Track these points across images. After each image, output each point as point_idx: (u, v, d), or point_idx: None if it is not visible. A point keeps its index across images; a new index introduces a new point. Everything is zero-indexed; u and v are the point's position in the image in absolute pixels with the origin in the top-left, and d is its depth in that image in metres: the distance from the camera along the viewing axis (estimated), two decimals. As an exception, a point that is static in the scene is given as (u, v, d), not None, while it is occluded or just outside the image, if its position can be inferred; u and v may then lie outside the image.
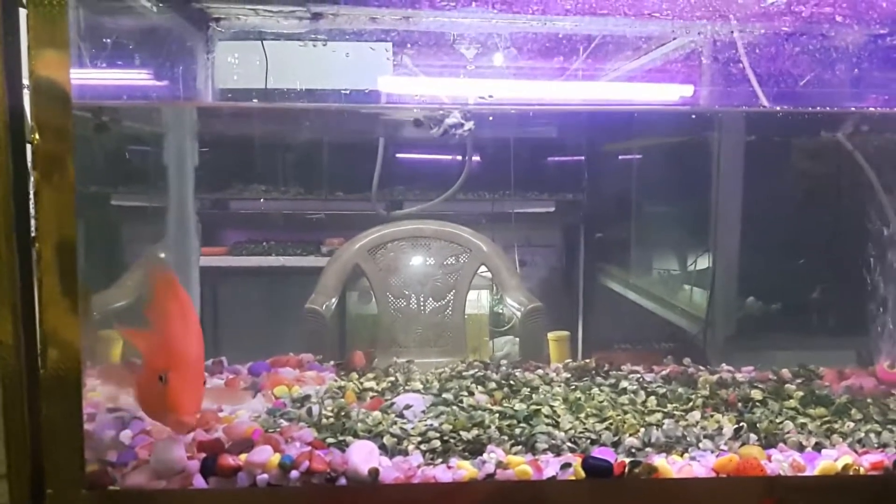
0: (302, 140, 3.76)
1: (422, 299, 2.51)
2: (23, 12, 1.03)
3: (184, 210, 1.83)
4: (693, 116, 2.82)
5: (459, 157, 3.73)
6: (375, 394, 1.49)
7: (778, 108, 1.82)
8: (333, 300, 2.43)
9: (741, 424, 1.27)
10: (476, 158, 3.76)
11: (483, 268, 2.56)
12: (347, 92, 1.97)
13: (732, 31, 1.87)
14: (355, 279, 2.63)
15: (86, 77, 1.45)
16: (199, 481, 1.10)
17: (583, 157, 4.15)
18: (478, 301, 3.28)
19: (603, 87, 2.29)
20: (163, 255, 1.74)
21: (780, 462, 1.15)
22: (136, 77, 1.76)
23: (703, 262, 3.33)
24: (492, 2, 1.52)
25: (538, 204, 4.08)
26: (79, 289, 1.04)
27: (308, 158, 3.94)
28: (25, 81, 1.05)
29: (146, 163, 1.69)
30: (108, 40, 1.58)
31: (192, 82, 1.89)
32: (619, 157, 4.18)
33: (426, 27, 1.83)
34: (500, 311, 3.39)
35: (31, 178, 1.04)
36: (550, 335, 3.22)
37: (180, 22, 1.74)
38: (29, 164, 1.04)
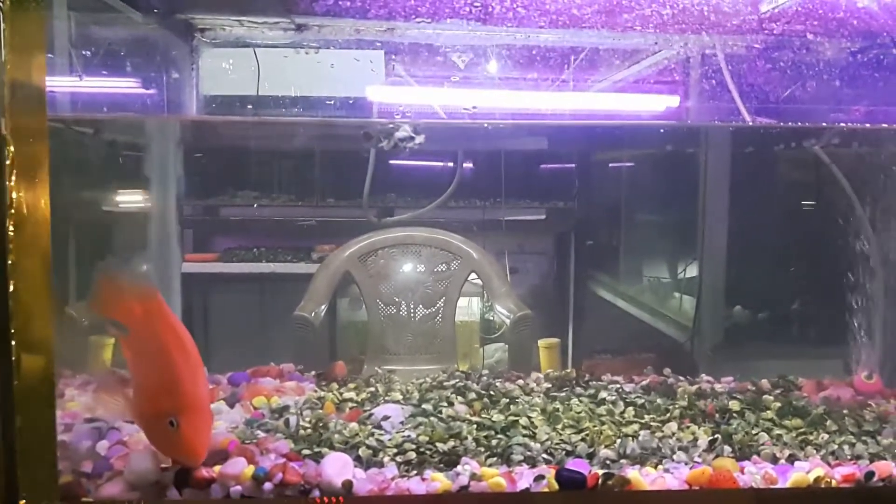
0: (291, 149, 3.77)
1: (412, 306, 2.50)
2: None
3: (166, 219, 1.83)
4: (680, 129, 2.85)
5: (451, 165, 3.75)
6: (355, 405, 1.49)
7: (758, 123, 1.83)
8: (323, 307, 2.42)
9: (716, 436, 1.28)
10: (468, 165, 3.79)
11: (473, 275, 2.55)
12: (332, 102, 1.98)
13: (714, 45, 1.89)
14: (346, 286, 2.61)
15: (73, 85, 1.45)
16: (172, 493, 1.10)
17: (573, 166, 4.18)
18: (468, 308, 3.28)
19: (591, 97, 2.31)
20: (144, 267, 1.74)
21: (752, 474, 1.16)
22: (123, 85, 1.77)
23: (691, 271, 3.35)
24: (467, 17, 1.53)
25: (529, 212, 4.09)
26: (54, 299, 1.04)
27: (298, 167, 3.95)
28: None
29: (128, 173, 1.69)
30: (96, 49, 1.59)
31: (177, 91, 1.89)
32: (609, 166, 4.20)
33: (411, 38, 1.84)
34: (491, 318, 3.40)
35: (7, 186, 1.04)
36: (541, 342, 3.22)
37: (165, 33, 1.75)
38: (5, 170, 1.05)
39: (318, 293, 2.44)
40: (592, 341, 3.83)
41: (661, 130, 2.59)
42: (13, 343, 1.06)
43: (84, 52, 1.52)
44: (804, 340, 2.89)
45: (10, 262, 1.03)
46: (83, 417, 1.35)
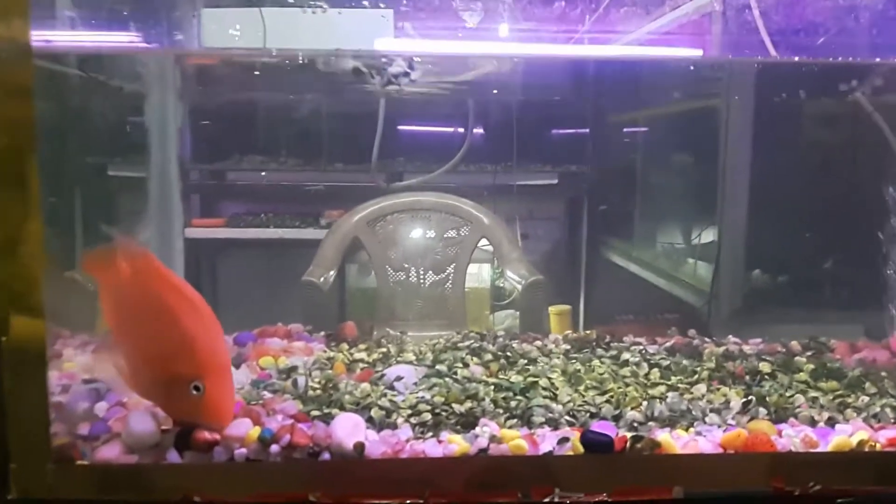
0: (298, 113, 3.70)
1: (421, 272, 2.48)
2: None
3: (167, 179, 1.75)
4: (700, 80, 2.72)
5: (461, 131, 3.67)
6: (366, 365, 1.42)
7: (787, 59, 1.72)
8: (332, 273, 2.39)
9: (749, 398, 1.20)
10: (478, 131, 3.70)
11: (484, 241, 2.51)
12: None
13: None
14: (354, 252, 2.59)
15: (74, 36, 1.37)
16: (173, 456, 1.03)
17: (587, 130, 4.08)
18: (479, 274, 3.23)
19: (612, 49, 2.21)
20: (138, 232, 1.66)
21: (791, 437, 1.08)
22: (123, 37, 1.68)
23: (709, 235, 3.26)
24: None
25: (541, 176, 4.01)
26: (44, 254, 0.97)
27: (305, 130, 3.89)
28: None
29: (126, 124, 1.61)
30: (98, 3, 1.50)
31: (178, 42, 1.81)
32: (624, 128, 4.10)
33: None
34: (501, 284, 3.36)
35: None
36: (552, 309, 3.17)
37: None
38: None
39: (327, 259, 2.42)
40: (606, 307, 3.78)
41: (681, 77, 2.48)
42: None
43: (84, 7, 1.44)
44: (827, 305, 2.79)
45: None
46: (81, 378, 1.28)
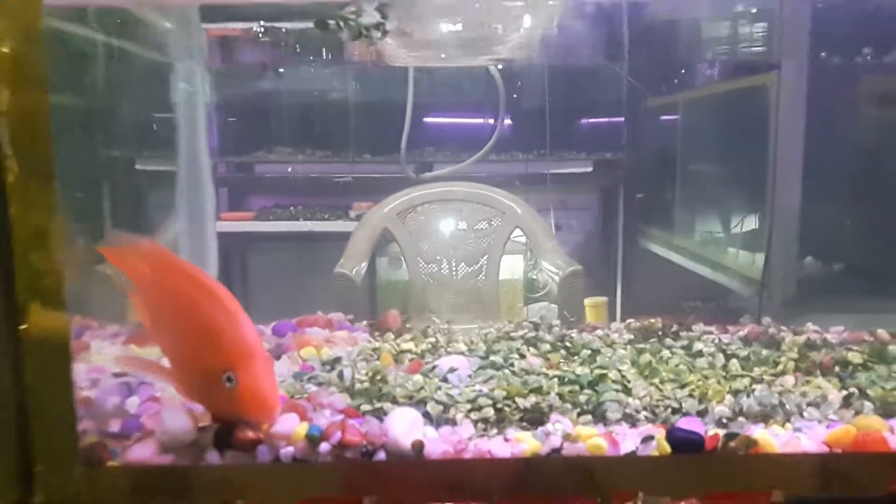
0: (323, 101, 3.67)
1: (454, 264, 2.46)
2: None
3: (197, 165, 1.65)
4: (749, 46, 2.57)
5: (491, 120, 3.57)
6: (414, 356, 1.31)
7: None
8: (363, 264, 2.36)
9: (852, 391, 1.07)
10: (508, 121, 3.60)
11: (517, 231, 2.48)
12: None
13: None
14: (385, 244, 2.59)
15: None
16: (212, 456, 0.93)
17: (622, 116, 3.97)
18: (511, 266, 3.18)
19: None
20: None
21: (906, 435, 0.95)
22: None
23: (758, 221, 3.13)
24: None
25: (575, 164, 3.94)
26: (62, 230, 0.88)
27: (333, 121, 3.85)
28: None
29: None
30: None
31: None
32: (663, 110, 3.97)
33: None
34: (535, 276, 3.31)
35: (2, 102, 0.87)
36: (587, 301, 3.09)
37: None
38: None
39: (358, 251, 2.40)
40: (645, 297, 3.67)
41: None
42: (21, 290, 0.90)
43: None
44: (885, 293, 2.65)
45: (9, 183, 0.87)
46: (110, 372, 1.19)
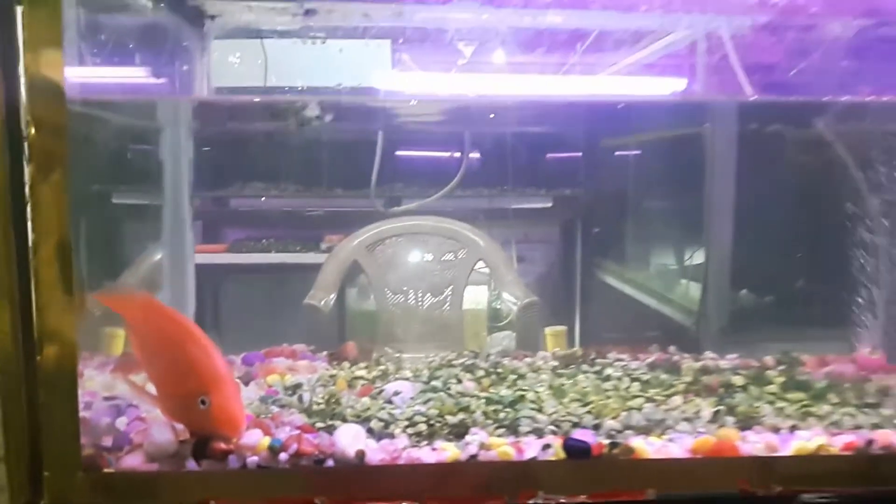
0: (299, 138, 3.81)
1: (420, 295, 2.55)
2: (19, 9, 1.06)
3: (179, 207, 1.86)
4: (684, 111, 2.86)
5: (457, 155, 3.79)
6: (366, 382, 1.52)
7: (761, 98, 1.85)
8: (332, 296, 2.47)
9: (719, 408, 1.30)
10: (474, 155, 3.82)
11: (481, 263, 2.60)
12: (338, 86, 2.01)
13: (720, 26, 1.91)
14: (354, 275, 2.66)
15: (85, 74, 1.48)
16: (191, 464, 1.13)
17: (580, 154, 4.20)
18: (476, 297, 3.31)
19: (598, 80, 2.33)
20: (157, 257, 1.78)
21: (754, 443, 1.18)
22: (134, 75, 1.80)
23: (698, 257, 3.37)
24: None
25: (535, 199, 4.12)
26: (74, 281, 1.08)
27: (305, 157, 3.98)
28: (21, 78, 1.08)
29: (143, 159, 1.73)
30: (107, 38, 1.61)
31: (189, 81, 1.93)
32: (615, 153, 4.22)
33: (419, 23, 1.87)
34: (499, 306, 3.44)
35: (27, 173, 1.08)
36: (548, 330, 3.25)
37: (176, 20, 1.78)
38: (25, 159, 1.08)
39: (328, 282, 2.50)
40: (600, 327, 3.87)
41: (667, 112, 2.60)
42: (36, 322, 1.10)
43: (94, 43, 1.55)
44: (809, 322, 2.91)
45: (32, 244, 1.08)
46: (101, 396, 1.39)
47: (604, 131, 3.97)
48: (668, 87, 2.48)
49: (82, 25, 1.38)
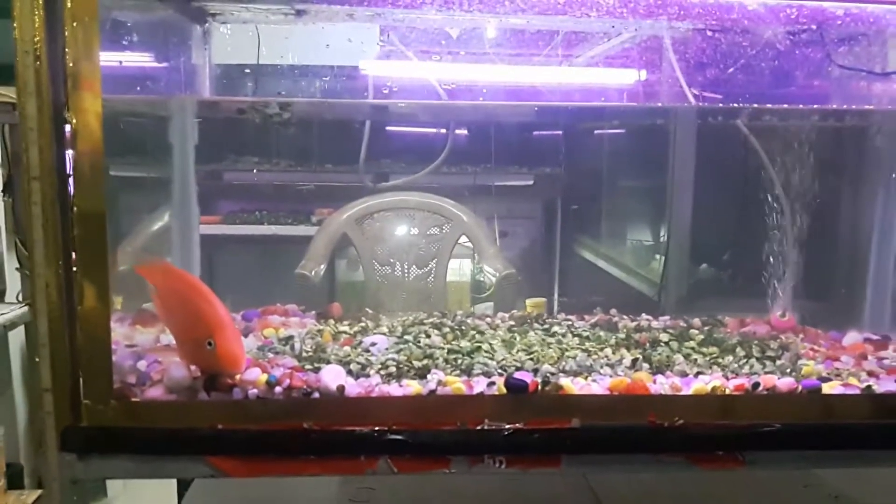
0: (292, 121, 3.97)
1: (406, 267, 2.70)
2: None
3: (186, 182, 2.10)
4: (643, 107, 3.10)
5: (444, 132, 3.99)
6: (348, 335, 1.78)
7: (697, 102, 2.10)
8: (322, 266, 2.62)
9: (637, 357, 1.57)
10: (460, 132, 4.02)
11: (464, 237, 2.75)
12: (327, 78, 2.24)
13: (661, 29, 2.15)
14: (343, 248, 2.81)
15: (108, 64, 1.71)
16: (202, 396, 1.39)
17: (560, 133, 4.41)
18: (460, 269, 3.51)
19: (571, 71, 2.56)
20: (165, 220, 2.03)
21: (662, 384, 1.45)
22: (145, 62, 2.03)
23: (662, 234, 3.63)
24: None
25: (518, 177, 4.31)
26: (108, 242, 1.33)
27: (298, 135, 4.15)
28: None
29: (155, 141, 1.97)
30: (123, 32, 1.85)
31: (193, 71, 2.16)
32: (592, 135, 4.44)
33: (396, 23, 2.11)
34: (481, 278, 3.63)
35: (70, 155, 1.32)
36: (528, 301, 3.48)
37: (180, 17, 2.01)
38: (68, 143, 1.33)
39: (318, 253, 2.66)
40: (575, 299, 4.12)
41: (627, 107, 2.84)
42: (76, 277, 1.35)
43: (113, 36, 1.78)
44: (751, 293, 3.19)
45: (73, 215, 1.32)
46: (124, 344, 1.64)
47: (580, 117, 4.19)
48: (633, 77, 2.71)
49: (111, 24, 1.61)
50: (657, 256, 3.81)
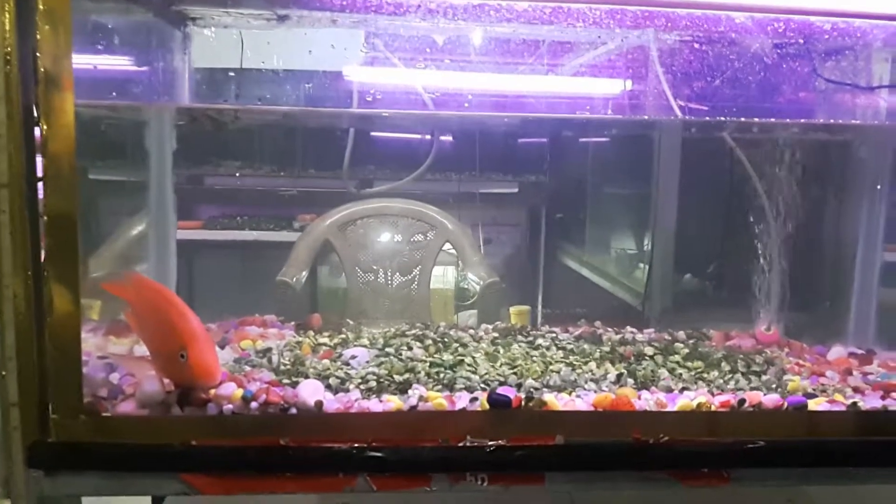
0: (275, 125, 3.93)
1: (389, 274, 2.69)
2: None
3: (163, 187, 2.05)
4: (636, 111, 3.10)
5: (428, 138, 3.96)
6: (328, 347, 1.74)
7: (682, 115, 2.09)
8: (304, 273, 2.61)
9: (622, 372, 1.55)
10: (445, 138, 4.00)
11: (448, 245, 2.74)
12: (309, 85, 2.21)
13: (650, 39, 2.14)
14: (326, 254, 2.77)
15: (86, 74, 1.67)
16: (175, 411, 1.35)
17: (545, 141, 4.39)
18: (444, 276, 3.48)
19: (558, 80, 2.54)
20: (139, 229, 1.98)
21: (647, 400, 1.43)
22: (124, 65, 1.99)
23: (646, 243, 3.62)
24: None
25: (502, 185, 4.30)
26: (78, 252, 1.28)
27: (281, 139, 4.11)
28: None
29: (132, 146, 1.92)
30: (102, 36, 1.80)
31: (172, 74, 2.12)
32: (577, 143, 4.44)
33: (379, 29, 2.08)
34: (466, 286, 3.61)
35: (40, 163, 1.28)
36: (512, 309, 3.45)
37: (160, 22, 1.97)
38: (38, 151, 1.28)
39: (300, 260, 2.64)
40: (561, 307, 4.10)
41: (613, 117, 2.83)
42: (46, 288, 1.30)
43: (91, 41, 1.73)
44: (735, 304, 3.18)
45: (43, 223, 1.28)
46: (96, 355, 1.59)
47: (566, 126, 4.18)
48: (619, 86, 2.70)
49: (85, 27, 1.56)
50: (641, 265, 3.80)
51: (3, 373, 1.30)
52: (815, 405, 1.45)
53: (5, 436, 1.32)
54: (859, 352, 1.82)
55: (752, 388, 1.54)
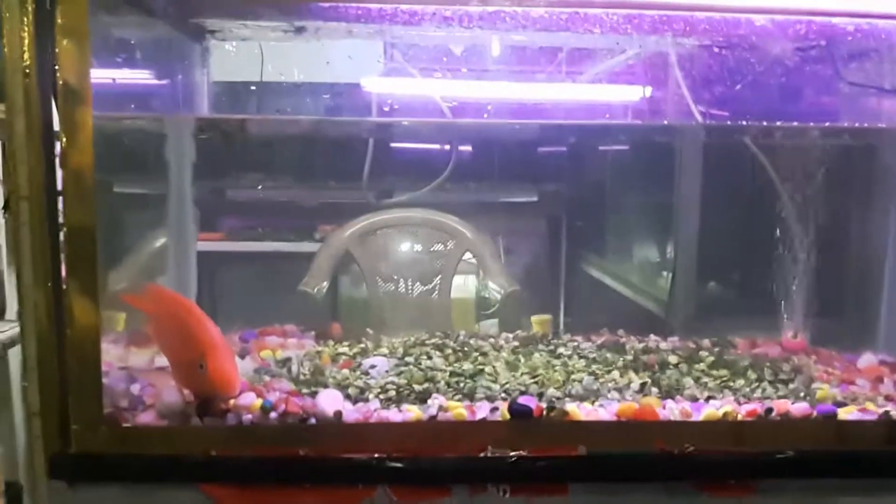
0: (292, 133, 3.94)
1: (410, 283, 2.67)
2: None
3: (183, 200, 2.06)
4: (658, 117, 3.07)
5: (447, 148, 3.96)
6: (348, 357, 1.74)
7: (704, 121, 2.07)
8: (325, 283, 2.60)
9: (646, 381, 1.52)
10: (464, 148, 4.00)
11: (468, 253, 2.72)
12: (328, 96, 2.21)
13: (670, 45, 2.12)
14: (347, 264, 2.76)
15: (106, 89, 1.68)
16: (195, 421, 1.35)
17: (564, 149, 4.37)
18: (464, 285, 3.47)
19: (576, 88, 2.53)
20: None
21: (671, 409, 1.40)
22: (143, 78, 2.00)
23: (668, 251, 3.58)
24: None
25: (522, 194, 4.28)
26: (98, 265, 1.29)
27: (301, 151, 4.13)
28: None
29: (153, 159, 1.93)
30: (120, 50, 1.82)
31: (192, 87, 2.13)
32: (597, 151, 4.41)
33: (396, 39, 2.08)
34: (486, 295, 3.59)
35: (59, 174, 1.29)
36: (533, 318, 3.43)
37: (180, 35, 1.99)
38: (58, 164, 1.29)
39: (321, 270, 2.63)
40: (581, 315, 4.07)
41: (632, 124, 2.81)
42: (67, 296, 1.31)
43: (107, 53, 1.75)
44: (762, 311, 3.12)
45: (63, 235, 1.29)
46: (117, 366, 1.60)
47: (585, 133, 4.16)
48: (638, 93, 2.67)
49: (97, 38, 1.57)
50: (664, 274, 3.76)
51: (26, 383, 1.31)
52: (845, 414, 1.42)
53: (28, 444, 1.32)
54: (890, 360, 1.78)
55: (779, 397, 1.50)
